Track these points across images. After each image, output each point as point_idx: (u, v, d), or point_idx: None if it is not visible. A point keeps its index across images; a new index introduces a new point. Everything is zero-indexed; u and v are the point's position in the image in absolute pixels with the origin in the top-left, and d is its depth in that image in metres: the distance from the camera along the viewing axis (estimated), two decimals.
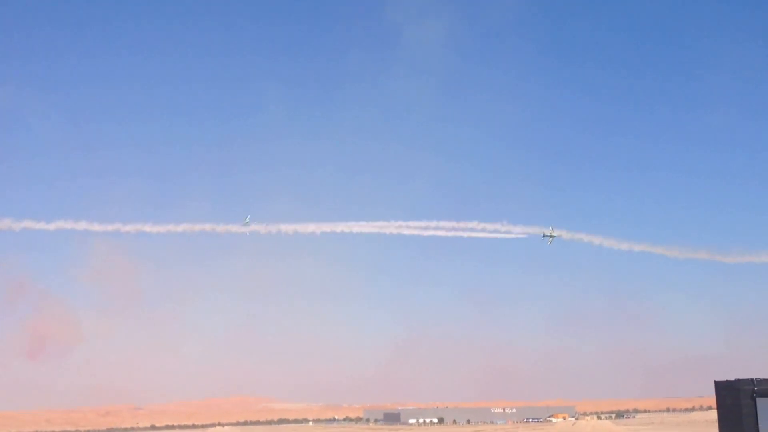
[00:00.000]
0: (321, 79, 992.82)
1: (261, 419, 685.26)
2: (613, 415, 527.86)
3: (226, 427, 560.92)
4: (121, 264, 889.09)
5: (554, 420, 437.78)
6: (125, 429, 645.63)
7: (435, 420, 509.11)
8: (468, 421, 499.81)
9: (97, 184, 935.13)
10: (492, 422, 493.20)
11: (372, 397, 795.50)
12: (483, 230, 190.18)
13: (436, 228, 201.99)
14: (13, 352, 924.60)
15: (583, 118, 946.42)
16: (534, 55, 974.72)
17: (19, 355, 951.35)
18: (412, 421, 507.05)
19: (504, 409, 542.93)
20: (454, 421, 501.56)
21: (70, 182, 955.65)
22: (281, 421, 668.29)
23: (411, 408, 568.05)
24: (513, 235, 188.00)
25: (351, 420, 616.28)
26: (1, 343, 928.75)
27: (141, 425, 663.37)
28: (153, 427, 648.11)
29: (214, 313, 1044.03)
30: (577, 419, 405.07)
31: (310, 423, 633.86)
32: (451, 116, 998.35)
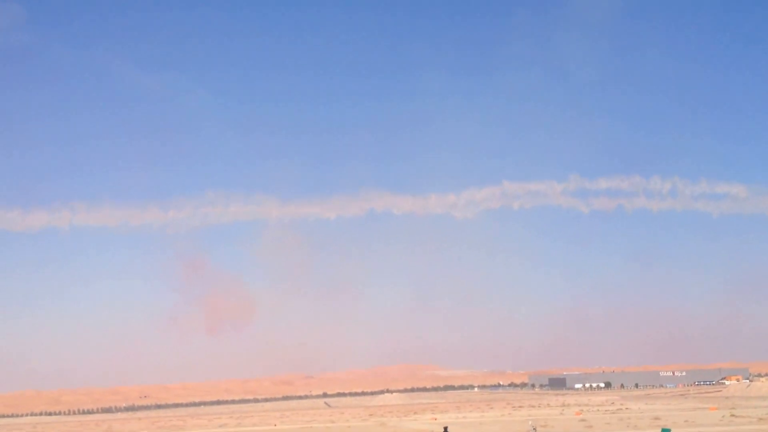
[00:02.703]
0: (485, 40, 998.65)
1: (427, 386, 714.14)
2: None
3: (394, 394, 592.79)
4: (294, 239, 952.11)
5: (727, 382, 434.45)
6: (299, 396, 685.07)
7: (602, 384, 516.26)
8: (636, 385, 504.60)
9: (271, 164, 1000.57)
10: (661, 386, 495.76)
11: (537, 363, 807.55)
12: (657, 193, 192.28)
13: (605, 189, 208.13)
14: (194, 328, 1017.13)
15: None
16: (708, 8, 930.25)
17: (199, 330, 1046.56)
18: (578, 386, 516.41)
19: (673, 373, 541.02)
20: (622, 386, 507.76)
21: (247, 162, 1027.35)
22: (447, 388, 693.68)
23: (577, 373, 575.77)
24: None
25: (516, 386, 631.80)
26: (182, 319, 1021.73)
27: (313, 393, 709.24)
28: (324, 394, 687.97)
29: (381, 285, 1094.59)
30: (751, 381, 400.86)
31: (476, 389, 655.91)
32: (619, 75, 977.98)
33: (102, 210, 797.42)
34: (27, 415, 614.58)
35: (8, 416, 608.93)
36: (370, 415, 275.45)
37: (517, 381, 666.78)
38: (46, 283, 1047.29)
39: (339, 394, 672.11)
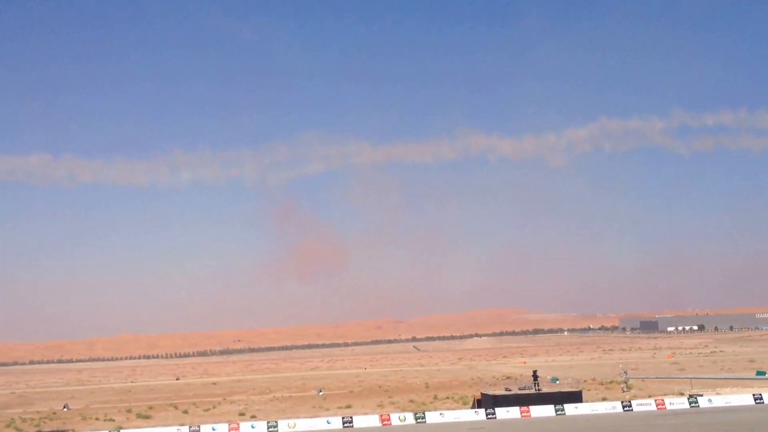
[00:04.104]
0: None
1: (516, 330, 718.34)
2: None
3: (482, 338, 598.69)
4: (387, 184, 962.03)
5: None
6: (388, 340, 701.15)
7: (695, 327, 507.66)
8: (731, 328, 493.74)
9: (364, 110, 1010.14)
10: (757, 328, 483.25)
11: (628, 306, 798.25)
12: None
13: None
14: (286, 275, 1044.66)
15: None
16: None
17: (292, 277, 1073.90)
18: (671, 329, 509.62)
19: None
20: (716, 328, 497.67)
21: (340, 108, 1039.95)
22: (536, 332, 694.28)
23: (669, 316, 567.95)
24: None
25: (606, 329, 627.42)
26: (274, 267, 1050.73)
27: (403, 337, 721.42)
28: (414, 338, 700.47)
29: (471, 231, 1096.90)
30: None
31: (565, 332, 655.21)
32: None
33: (199, 157, 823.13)
34: (126, 358, 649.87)
35: (109, 359, 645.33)
36: (459, 358, 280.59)
37: (608, 324, 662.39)
38: (142, 233, 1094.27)
39: (428, 339, 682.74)
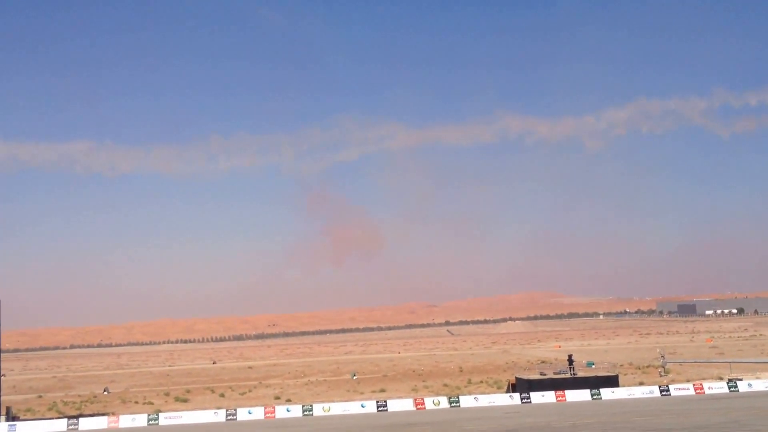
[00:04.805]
0: None
1: (550, 314, 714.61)
2: None
3: (516, 322, 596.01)
4: (421, 168, 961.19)
5: None
6: (422, 324, 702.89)
7: (734, 311, 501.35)
8: None
9: (400, 92, 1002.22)
10: None
11: (665, 290, 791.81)
12: None
13: None
14: (320, 259, 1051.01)
15: None
16: None
17: (326, 261, 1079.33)
18: (709, 312, 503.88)
19: None
20: (756, 311, 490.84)
21: (375, 90, 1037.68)
22: (570, 315, 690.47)
23: (707, 299, 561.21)
24: None
25: (643, 313, 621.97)
26: (308, 250, 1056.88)
27: (436, 321, 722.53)
28: (447, 322, 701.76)
29: (504, 215, 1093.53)
30: None
31: (601, 316, 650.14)
32: None
33: (236, 142, 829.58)
34: (164, 342, 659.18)
35: (147, 344, 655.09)
36: (493, 342, 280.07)
37: (644, 308, 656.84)
38: (177, 220, 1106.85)
39: (461, 323, 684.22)
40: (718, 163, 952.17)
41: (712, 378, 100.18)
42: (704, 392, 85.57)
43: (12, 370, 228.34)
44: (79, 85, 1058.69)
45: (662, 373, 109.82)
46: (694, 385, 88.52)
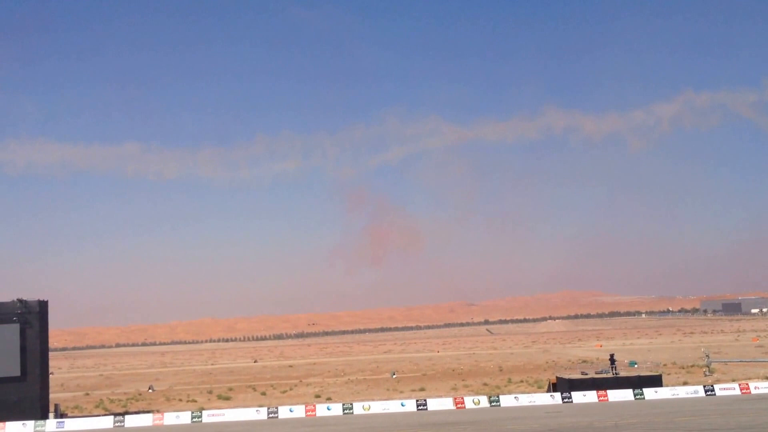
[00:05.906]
0: None
1: (591, 312, 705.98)
2: None
3: (556, 321, 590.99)
4: (462, 165, 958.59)
5: None
6: (461, 323, 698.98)
7: None
8: None
9: (443, 87, 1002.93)
10: None
11: (710, 288, 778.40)
12: None
13: None
14: (360, 258, 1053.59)
15: None
16: None
17: (365, 261, 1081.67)
18: (755, 310, 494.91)
19: None
20: None
21: (416, 85, 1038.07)
22: (612, 314, 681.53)
23: (753, 297, 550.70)
24: None
25: (687, 311, 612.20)
26: (348, 250, 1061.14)
27: (475, 320, 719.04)
28: (486, 321, 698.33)
29: (545, 214, 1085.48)
30: None
31: (643, 315, 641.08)
32: None
33: (280, 142, 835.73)
34: (206, 341, 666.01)
35: (190, 342, 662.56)
36: (533, 342, 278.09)
37: (688, 307, 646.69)
38: (219, 220, 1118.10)
39: (501, 321, 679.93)
40: (766, 157, 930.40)
41: (758, 378, 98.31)
42: (750, 392, 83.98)
43: (60, 368, 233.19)
44: (127, 89, 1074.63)
45: (707, 373, 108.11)
46: (739, 384, 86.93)
